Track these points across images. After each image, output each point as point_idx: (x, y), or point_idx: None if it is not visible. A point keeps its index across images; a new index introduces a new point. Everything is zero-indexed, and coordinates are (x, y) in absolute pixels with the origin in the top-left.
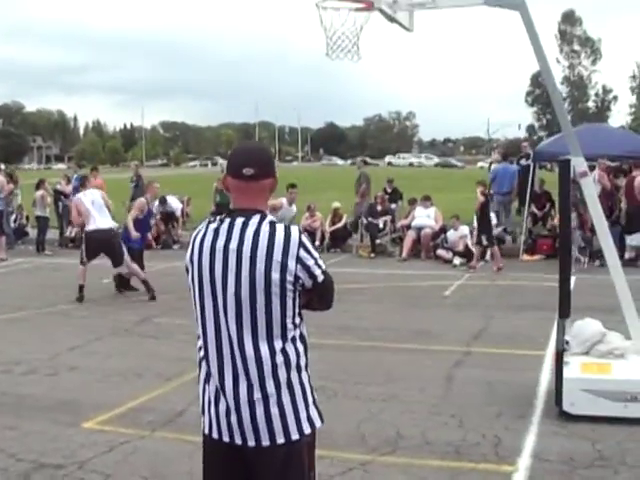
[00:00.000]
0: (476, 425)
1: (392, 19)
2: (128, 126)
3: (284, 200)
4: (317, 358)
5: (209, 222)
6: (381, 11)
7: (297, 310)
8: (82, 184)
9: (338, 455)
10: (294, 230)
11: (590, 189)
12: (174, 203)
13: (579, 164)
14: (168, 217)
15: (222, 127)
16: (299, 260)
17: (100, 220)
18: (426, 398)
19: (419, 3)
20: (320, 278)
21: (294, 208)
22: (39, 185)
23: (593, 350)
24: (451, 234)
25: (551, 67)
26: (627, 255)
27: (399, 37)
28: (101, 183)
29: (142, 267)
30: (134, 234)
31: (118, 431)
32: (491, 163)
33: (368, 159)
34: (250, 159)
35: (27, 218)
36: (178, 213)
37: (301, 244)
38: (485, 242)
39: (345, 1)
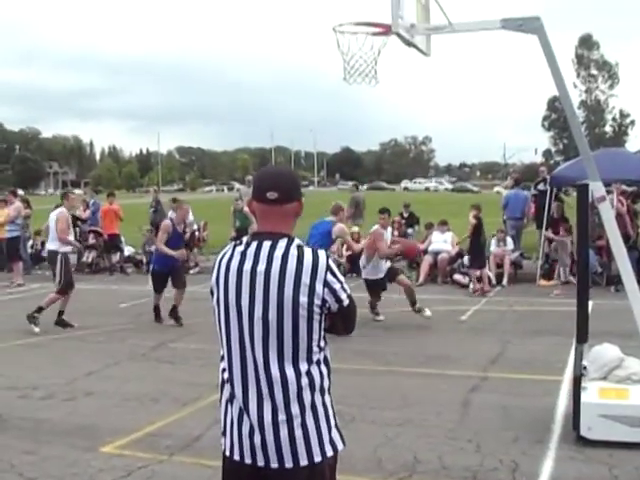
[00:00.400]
0: (493, 450)
1: (409, 43)
2: (144, 151)
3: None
4: (334, 382)
5: (235, 245)
6: (398, 35)
7: (322, 333)
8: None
9: None
10: (322, 254)
11: (608, 214)
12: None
13: (597, 189)
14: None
15: (238, 152)
16: (327, 284)
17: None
18: (442, 423)
19: (436, 27)
20: (346, 302)
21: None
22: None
23: (611, 375)
24: (467, 259)
25: (568, 91)
26: None
27: (416, 61)
28: (117, 209)
29: (161, 290)
30: (170, 253)
31: (136, 456)
32: (505, 188)
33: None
34: (274, 183)
35: (42, 244)
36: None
37: (328, 268)
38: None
39: (362, 25)
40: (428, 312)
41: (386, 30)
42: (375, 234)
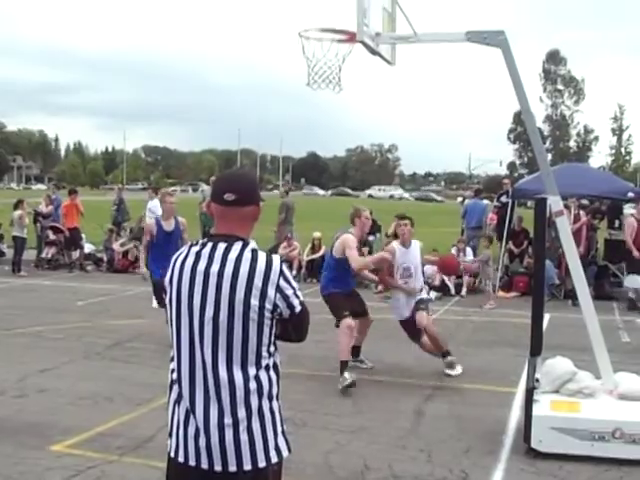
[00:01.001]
0: (444, 460)
1: (374, 52)
2: (110, 149)
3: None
4: (288, 387)
5: (191, 245)
6: (363, 44)
7: (273, 339)
8: None
9: None
10: (275, 259)
11: (565, 228)
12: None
13: (555, 203)
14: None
15: (204, 153)
16: (278, 289)
17: None
18: (395, 431)
19: (401, 37)
20: (298, 309)
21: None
22: (17, 205)
23: (563, 389)
24: (428, 268)
25: (533, 105)
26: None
27: (384, 69)
28: (78, 204)
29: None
30: (144, 269)
31: (86, 455)
32: (464, 199)
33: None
34: (232, 185)
35: (1, 237)
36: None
37: (281, 273)
38: None
39: (328, 32)
40: (459, 369)
41: (351, 38)
42: (344, 240)
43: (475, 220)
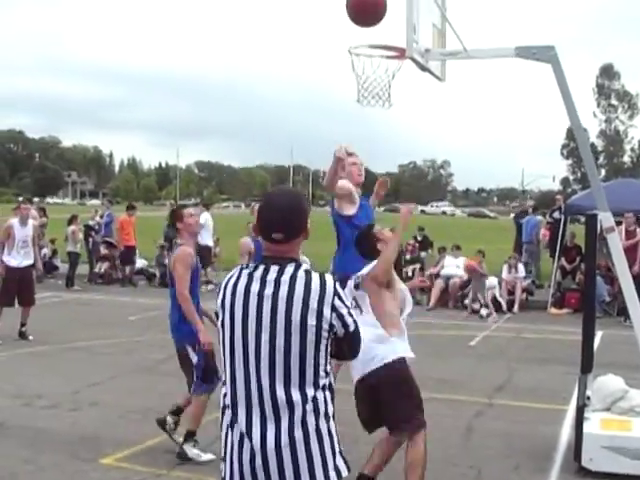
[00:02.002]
0: (494, 477)
1: (424, 68)
2: (163, 164)
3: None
4: (339, 404)
5: (242, 268)
6: (413, 60)
7: (328, 358)
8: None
9: None
10: (329, 278)
11: (616, 244)
12: (206, 238)
13: (606, 219)
14: (199, 253)
15: (257, 169)
16: (334, 308)
17: None
18: (445, 448)
19: (451, 53)
20: (352, 327)
21: None
22: (71, 221)
23: (614, 407)
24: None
25: (587, 120)
26: None
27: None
28: (130, 221)
29: None
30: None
31: (135, 469)
32: (517, 215)
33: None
34: (280, 223)
35: (54, 252)
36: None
37: (336, 292)
38: None
39: (377, 49)
40: None
41: (401, 54)
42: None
43: (528, 235)
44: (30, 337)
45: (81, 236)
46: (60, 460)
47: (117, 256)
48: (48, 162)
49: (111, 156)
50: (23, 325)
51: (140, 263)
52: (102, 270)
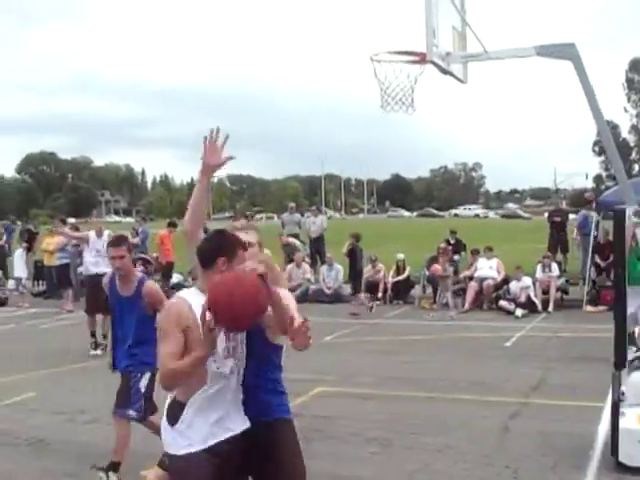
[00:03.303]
0: (531, 476)
1: (445, 71)
2: (195, 180)
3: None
4: (374, 409)
5: None
6: (434, 63)
7: None
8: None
9: None
10: None
11: None
12: None
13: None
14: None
15: (288, 180)
16: None
17: None
18: (481, 449)
19: (472, 55)
20: None
21: None
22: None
23: None
24: (513, 285)
25: (618, 115)
26: None
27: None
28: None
29: None
30: None
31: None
32: (550, 214)
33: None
34: None
35: None
36: None
37: None
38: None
39: (398, 54)
40: None
41: (422, 58)
42: None
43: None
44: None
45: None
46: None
47: (152, 272)
48: (81, 182)
49: (143, 173)
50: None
51: (176, 278)
52: None
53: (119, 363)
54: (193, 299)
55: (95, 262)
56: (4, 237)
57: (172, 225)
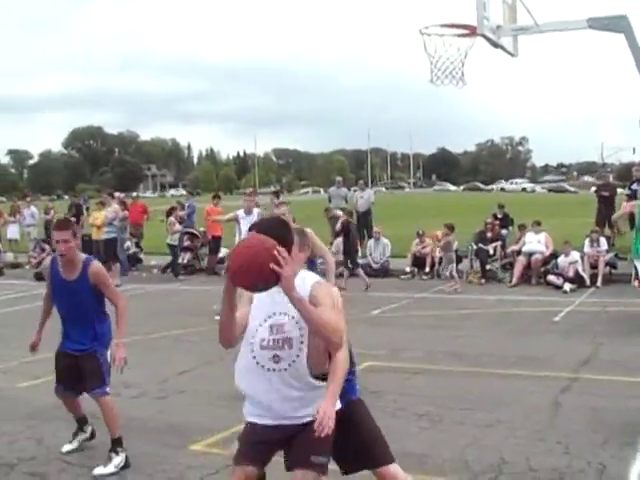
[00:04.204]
0: (582, 452)
1: (496, 45)
2: (241, 153)
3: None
4: (424, 383)
5: None
6: (485, 37)
7: None
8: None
9: None
10: None
11: None
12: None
13: None
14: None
15: (334, 154)
16: None
17: None
18: (531, 424)
19: (522, 28)
20: None
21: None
22: (170, 212)
23: None
24: (562, 260)
25: None
26: None
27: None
28: (220, 211)
29: None
30: None
31: (224, 454)
32: (598, 187)
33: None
34: None
35: (137, 244)
36: None
37: None
38: (350, 265)
39: (448, 27)
40: None
41: (472, 31)
42: None
43: None
44: None
45: (179, 226)
46: (150, 447)
47: (199, 246)
48: (127, 156)
49: (189, 148)
50: None
51: (223, 253)
52: (185, 261)
53: (78, 345)
54: None
55: None
56: (51, 212)
57: (216, 197)
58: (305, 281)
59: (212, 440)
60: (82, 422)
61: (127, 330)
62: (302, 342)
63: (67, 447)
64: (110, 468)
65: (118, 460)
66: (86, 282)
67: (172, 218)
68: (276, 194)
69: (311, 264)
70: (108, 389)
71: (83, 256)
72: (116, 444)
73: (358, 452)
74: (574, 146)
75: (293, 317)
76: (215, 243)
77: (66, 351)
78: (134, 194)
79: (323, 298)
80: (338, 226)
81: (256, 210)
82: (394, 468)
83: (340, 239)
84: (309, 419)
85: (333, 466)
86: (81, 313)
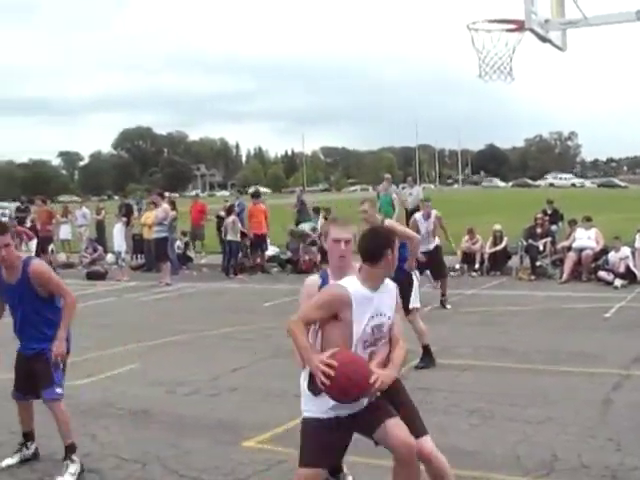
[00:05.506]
0: (634, 449)
1: (544, 39)
2: (289, 152)
3: None
4: (474, 380)
5: None
6: (533, 31)
7: None
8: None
9: (494, 477)
10: None
11: None
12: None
13: None
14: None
15: (382, 151)
16: None
17: None
18: (583, 421)
19: (571, 22)
20: None
21: None
22: (230, 211)
23: None
24: (612, 255)
25: None
26: None
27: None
28: (264, 209)
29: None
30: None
31: (276, 450)
32: None
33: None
34: None
35: (187, 244)
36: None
37: None
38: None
39: (496, 23)
40: None
41: (520, 26)
42: None
43: None
44: (448, 306)
45: (240, 225)
46: (203, 444)
47: (248, 245)
48: (176, 157)
49: (237, 147)
50: (443, 295)
51: (272, 250)
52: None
53: (30, 346)
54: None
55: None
56: (102, 212)
57: (255, 196)
58: (389, 286)
59: (264, 437)
60: (28, 437)
61: (182, 328)
62: None
63: (7, 461)
64: (67, 477)
65: (74, 468)
66: (27, 283)
67: (234, 216)
68: (255, 196)
69: (402, 248)
70: (59, 390)
71: (22, 257)
72: (70, 451)
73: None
74: (624, 140)
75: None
76: (257, 241)
77: (20, 352)
78: (193, 193)
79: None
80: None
81: (434, 211)
82: (429, 440)
83: None
84: None
85: (362, 459)
86: (28, 316)
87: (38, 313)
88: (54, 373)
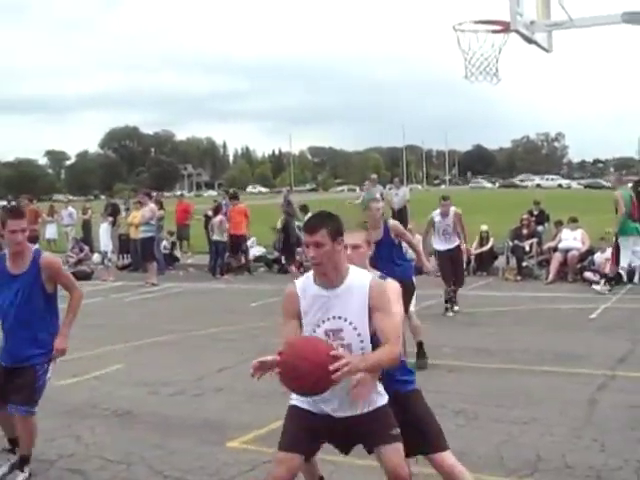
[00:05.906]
0: (618, 450)
1: (530, 40)
2: (277, 152)
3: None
4: (459, 380)
5: None
6: (518, 33)
7: None
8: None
9: (477, 477)
10: None
11: None
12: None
13: None
14: None
15: (369, 151)
16: None
17: None
18: (567, 421)
19: (556, 23)
20: None
21: None
22: (217, 211)
23: None
24: (598, 256)
25: None
26: None
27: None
28: (243, 209)
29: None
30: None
31: (261, 450)
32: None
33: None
34: None
35: (173, 244)
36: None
37: None
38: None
39: (482, 24)
40: None
41: (506, 28)
42: None
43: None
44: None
45: (227, 225)
46: (188, 444)
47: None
48: (163, 156)
49: (224, 147)
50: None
51: (258, 250)
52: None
53: (18, 353)
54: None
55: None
56: (89, 212)
57: (234, 197)
58: (362, 288)
59: (249, 437)
60: (15, 443)
61: (166, 328)
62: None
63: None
64: None
65: (21, 478)
66: (36, 274)
67: (221, 216)
68: (234, 197)
69: (394, 247)
70: (35, 409)
71: (33, 247)
72: (24, 462)
73: (415, 435)
74: (611, 142)
75: (351, 323)
76: (235, 242)
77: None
78: (178, 193)
79: (382, 302)
80: (279, 225)
81: (452, 209)
82: (450, 455)
83: None
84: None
85: (347, 459)
86: (24, 315)
87: (35, 312)
88: (36, 391)
